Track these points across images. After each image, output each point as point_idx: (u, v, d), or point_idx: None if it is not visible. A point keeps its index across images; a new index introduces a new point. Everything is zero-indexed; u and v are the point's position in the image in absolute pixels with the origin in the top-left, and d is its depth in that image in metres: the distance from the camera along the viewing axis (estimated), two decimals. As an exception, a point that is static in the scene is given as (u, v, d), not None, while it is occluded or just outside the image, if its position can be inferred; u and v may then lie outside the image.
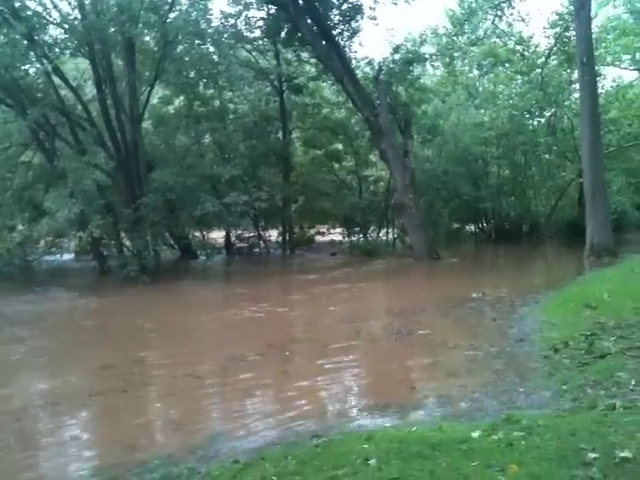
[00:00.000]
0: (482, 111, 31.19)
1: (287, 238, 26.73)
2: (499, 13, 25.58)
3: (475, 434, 4.15)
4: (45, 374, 7.63)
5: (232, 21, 20.42)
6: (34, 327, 10.78)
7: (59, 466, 4.77)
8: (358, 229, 28.80)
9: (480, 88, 32.67)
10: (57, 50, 17.32)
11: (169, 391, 6.57)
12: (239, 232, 25.80)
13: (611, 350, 6.42)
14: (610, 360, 6.10)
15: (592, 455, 3.52)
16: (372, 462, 3.77)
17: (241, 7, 21.65)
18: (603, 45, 26.86)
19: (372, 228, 29.11)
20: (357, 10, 21.91)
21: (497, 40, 28.95)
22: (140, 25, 16.66)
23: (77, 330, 10.63)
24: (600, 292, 10.11)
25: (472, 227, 34.07)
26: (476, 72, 33.01)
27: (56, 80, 17.50)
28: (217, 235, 26.15)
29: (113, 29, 16.49)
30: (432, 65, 30.57)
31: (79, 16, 16.69)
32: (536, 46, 27.76)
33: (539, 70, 26.50)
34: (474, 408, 5.38)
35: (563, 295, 11.17)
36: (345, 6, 21.85)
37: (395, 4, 22.24)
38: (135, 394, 6.44)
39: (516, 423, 4.37)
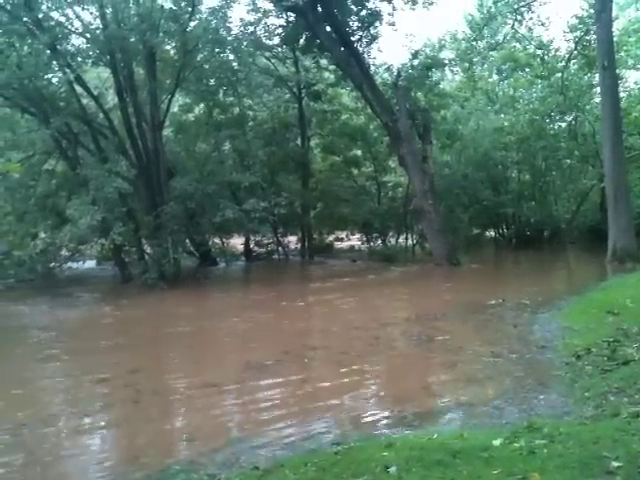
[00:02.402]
0: (502, 116, 30.95)
1: (306, 244, 26.77)
2: (519, 17, 25.41)
3: (496, 442, 4.12)
4: (58, 381, 7.68)
5: (251, 29, 20.47)
6: (48, 334, 10.88)
7: (79, 472, 4.82)
8: (377, 235, 28.77)
9: (500, 93, 32.51)
10: (79, 59, 17.55)
11: (187, 399, 6.58)
12: (258, 238, 25.90)
13: (634, 357, 6.34)
14: (633, 367, 6.02)
15: (615, 464, 3.49)
16: (392, 470, 3.76)
17: (260, 15, 21.74)
18: (624, 48, 26.59)
19: (391, 234, 29.07)
20: (376, 16, 21.94)
21: (517, 44, 28.83)
22: (161, 34, 16.89)
23: (91, 337, 10.59)
24: (623, 298, 9.98)
25: (492, 232, 33.79)
26: (496, 77, 32.90)
27: (78, 89, 17.71)
28: (236, 242, 26.28)
29: (134, 38, 16.65)
30: (451, 70, 30.52)
31: (101, 26, 16.90)
32: (556, 50, 27.58)
33: (559, 74, 26.30)
34: (495, 415, 5.35)
35: (585, 301, 11.04)
36: (364, 12, 21.89)
37: (413, 9, 22.24)
38: (151, 402, 6.48)
39: (538, 431, 4.34)
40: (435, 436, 4.57)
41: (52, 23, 16.43)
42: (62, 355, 9.24)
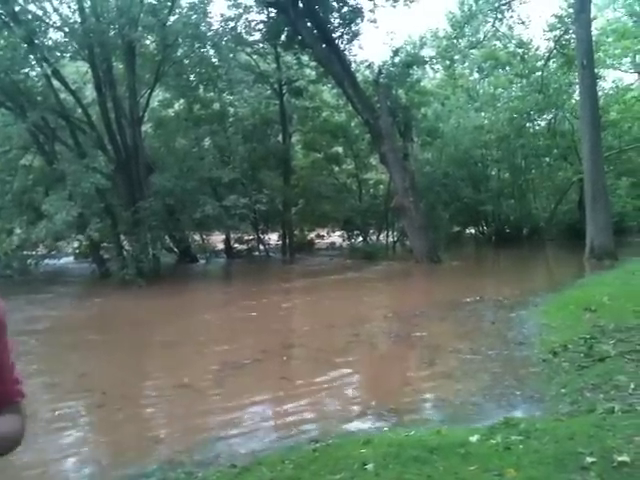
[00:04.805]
0: (482, 114, 31.19)
1: (287, 241, 26.72)
2: (499, 16, 25.60)
3: (473, 438, 4.14)
4: (35, 379, 7.50)
5: (232, 24, 20.34)
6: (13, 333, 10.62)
7: (54, 470, 4.75)
8: (358, 232, 28.80)
9: (480, 91, 32.69)
10: (57, 53, 17.33)
11: (162, 400, 6.49)
12: (239, 235, 25.78)
13: (610, 353, 6.40)
14: (609, 363, 6.08)
15: (590, 459, 3.51)
16: (370, 466, 3.76)
17: (241, 10, 21.59)
18: (602, 48, 26.86)
19: (372, 231, 29.12)
20: (357, 13, 21.94)
21: (497, 43, 28.98)
22: (140, 28, 16.71)
23: (58, 336, 10.35)
24: (600, 295, 10.08)
25: (472, 230, 34.04)
26: (476, 75, 33.01)
27: (56, 83, 17.49)
28: (217, 238, 26.16)
29: (113, 32, 16.51)
30: (432, 68, 30.58)
31: (79, 19, 16.71)
32: (536, 49, 27.81)
33: (539, 73, 26.54)
34: (472, 412, 5.37)
35: (563, 298, 11.12)
36: (345, 9, 21.88)
37: (394, 7, 22.27)
38: (121, 404, 6.19)
39: (514, 427, 4.36)
40: (412, 433, 4.58)
41: (29, 16, 16.21)
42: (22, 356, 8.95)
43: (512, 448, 3.86)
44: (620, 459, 3.46)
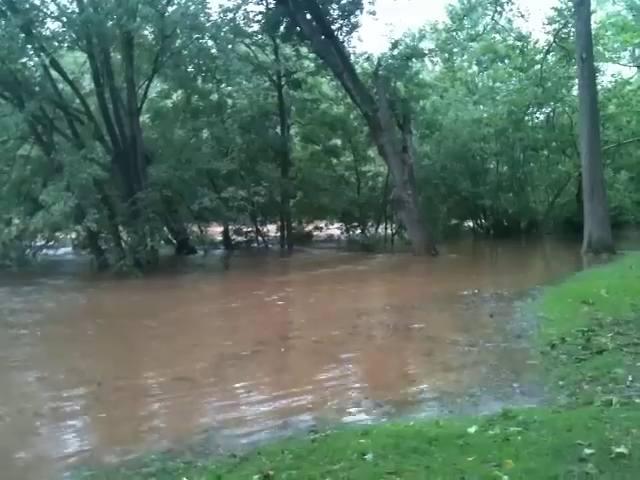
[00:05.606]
0: (481, 107, 31.12)
1: (285, 233, 26.72)
2: (499, 9, 25.53)
3: (472, 429, 4.16)
4: (30, 372, 7.48)
5: (231, 15, 20.24)
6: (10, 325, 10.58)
7: (53, 460, 4.75)
8: (356, 224, 28.81)
9: (479, 84, 32.64)
10: (55, 43, 17.19)
11: (162, 389, 6.47)
12: (237, 227, 25.76)
13: (608, 346, 6.42)
14: (607, 356, 6.10)
15: (588, 451, 3.53)
16: (368, 457, 3.77)
17: (240, 1, 21.48)
18: (602, 41, 26.83)
19: (370, 223, 29.14)
20: (356, 5, 21.86)
21: (496, 36, 28.93)
22: (138, 19, 16.58)
23: (53, 327, 10.27)
24: (598, 288, 10.11)
25: (470, 223, 34.04)
26: (475, 68, 32.99)
27: (54, 73, 17.43)
28: (216, 230, 26.13)
29: (111, 23, 16.39)
30: (431, 60, 30.65)
31: (77, 9, 16.62)
32: (535, 42, 27.75)
33: (538, 66, 26.49)
34: (471, 403, 5.38)
35: (561, 291, 11.16)
36: (344, 1, 21.79)
37: (394, -1, 22.20)
38: (118, 396, 6.18)
39: (513, 418, 4.37)
40: (411, 424, 4.59)
41: (27, 6, 16.09)
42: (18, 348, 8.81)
43: (510, 439, 3.87)
44: (618, 451, 3.48)
